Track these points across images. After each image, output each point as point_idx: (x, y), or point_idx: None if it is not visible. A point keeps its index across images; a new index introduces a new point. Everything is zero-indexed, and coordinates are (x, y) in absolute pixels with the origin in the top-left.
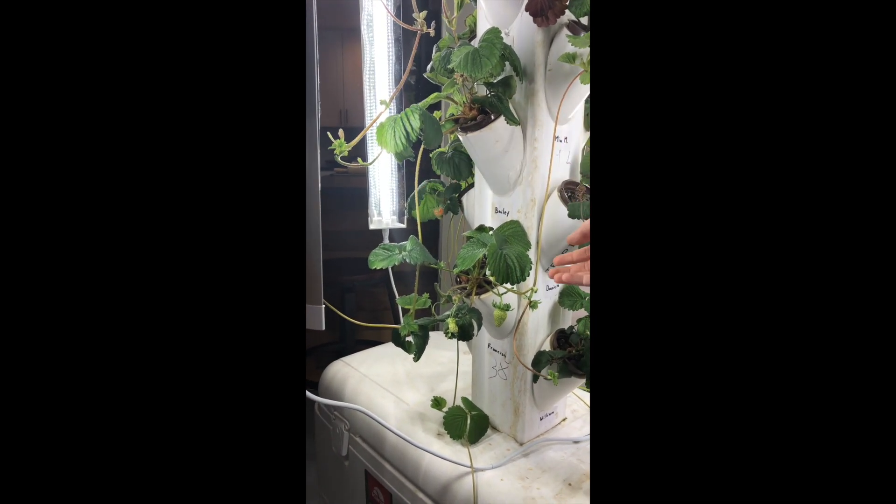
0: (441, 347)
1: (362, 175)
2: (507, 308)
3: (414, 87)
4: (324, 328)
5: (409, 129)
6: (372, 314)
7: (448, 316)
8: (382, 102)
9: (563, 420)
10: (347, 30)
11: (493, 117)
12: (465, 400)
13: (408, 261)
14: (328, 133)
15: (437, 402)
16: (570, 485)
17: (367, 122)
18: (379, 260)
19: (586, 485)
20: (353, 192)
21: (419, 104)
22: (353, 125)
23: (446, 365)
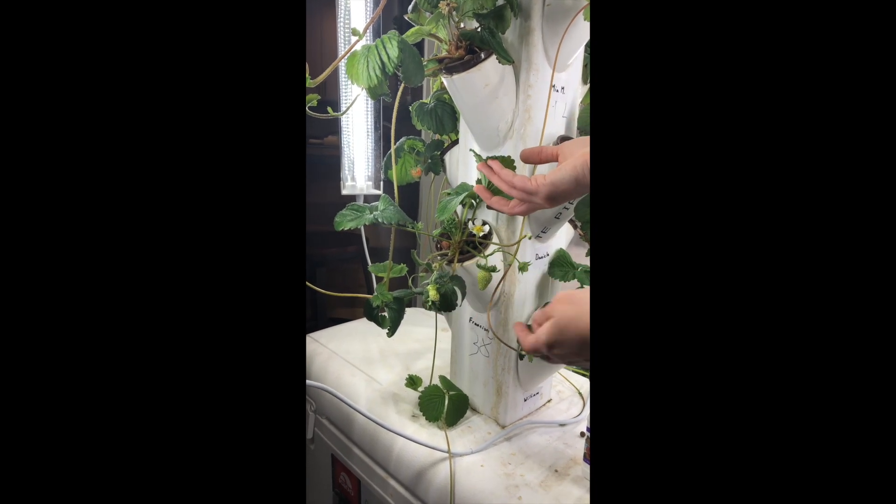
0: (418, 324)
1: (335, 146)
2: (492, 269)
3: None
4: None
5: (384, 59)
6: (345, 291)
7: (427, 284)
8: (355, 32)
9: (549, 401)
10: None
11: (482, 56)
12: (442, 379)
13: (380, 220)
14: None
15: (413, 382)
16: (556, 471)
17: (342, 83)
18: (347, 220)
19: (574, 471)
20: (325, 161)
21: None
22: (331, 98)
23: (423, 342)
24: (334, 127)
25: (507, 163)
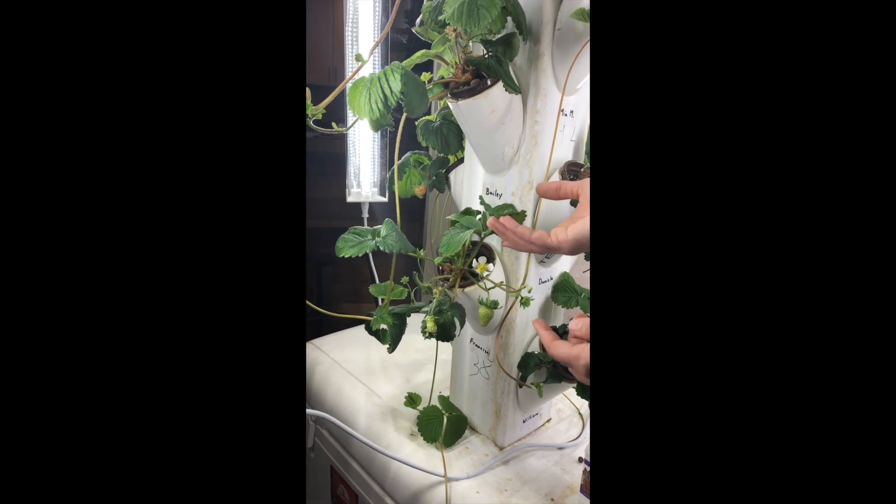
0: (420, 332)
1: (342, 138)
2: (494, 306)
3: (406, 47)
4: None
5: (387, 93)
6: (351, 286)
7: (426, 312)
8: (358, 58)
9: (548, 421)
10: None
11: (489, 82)
12: (442, 399)
13: (382, 248)
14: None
15: (412, 400)
16: (552, 500)
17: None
18: (348, 247)
19: (570, 500)
20: (334, 157)
21: (402, 63)
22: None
23: (425, 353)
24: (341, 114)
25: (520, 217)
